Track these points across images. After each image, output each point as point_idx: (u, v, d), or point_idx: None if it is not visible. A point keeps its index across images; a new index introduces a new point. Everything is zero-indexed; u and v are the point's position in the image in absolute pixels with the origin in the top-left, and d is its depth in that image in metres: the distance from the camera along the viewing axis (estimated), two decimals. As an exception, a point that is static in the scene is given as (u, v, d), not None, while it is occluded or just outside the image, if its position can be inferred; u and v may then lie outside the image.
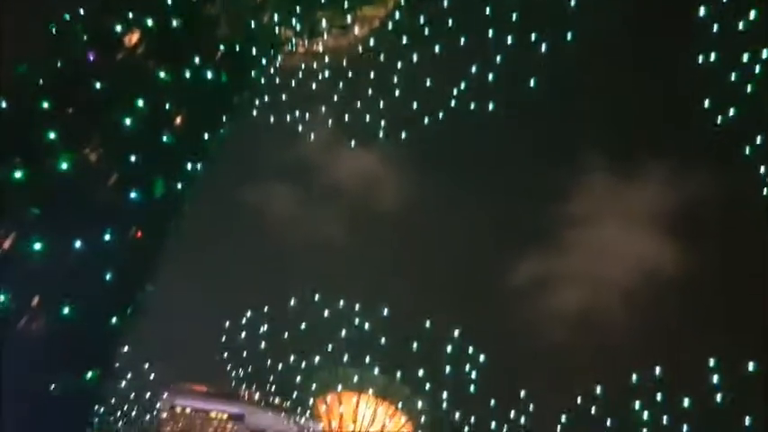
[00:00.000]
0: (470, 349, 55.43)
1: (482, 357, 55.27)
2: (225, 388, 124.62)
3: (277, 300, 59.46)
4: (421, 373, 55.26)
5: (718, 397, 46.24)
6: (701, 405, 47.19)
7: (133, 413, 63.08)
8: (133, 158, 25.82)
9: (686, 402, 47.67)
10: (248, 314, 58.22)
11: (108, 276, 24.55)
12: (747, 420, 46.34)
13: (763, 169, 37.86)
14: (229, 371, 62.57)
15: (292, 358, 56.81)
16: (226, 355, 60.77)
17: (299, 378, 57.98)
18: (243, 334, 58.11)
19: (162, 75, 26.80)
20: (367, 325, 54.94)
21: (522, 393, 56.64)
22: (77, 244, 23.06)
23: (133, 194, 25.80)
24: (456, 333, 55.54)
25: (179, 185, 29.16)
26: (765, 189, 38.02)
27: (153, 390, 67.09)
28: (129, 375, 60.09)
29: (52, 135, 23.42)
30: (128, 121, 25.47)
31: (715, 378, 46.63)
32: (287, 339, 55.87)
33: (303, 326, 55.03)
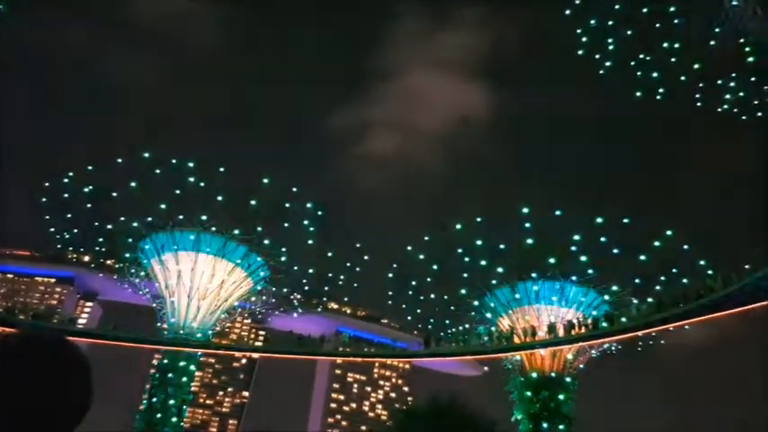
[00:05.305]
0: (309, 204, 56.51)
1: (320, 212, 56.51)
2: (51, 251, 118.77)
3: (100, 157, 55.97)
4: (259, 229, 55.75)
5: (530, 240, 51.50)
6: (515, 247, 52.39)
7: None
8: None
9: (502, 246, 52.63)
10: (70, 174, 54.41)
11: None
12: (552, 260, 52.45)
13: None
14: (54, 233, 59.03)
15: (123, 218, 54.67)
16: (48, 217, 57.00)
17: (131, 239, 56.23)
18: (66, 194, 54.41)
19: None
20: (202, 183, 53.68)
21: (358, 244, 59.59)
22: None
23: None
24: (294, 189, 56.12)
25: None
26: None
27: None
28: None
29: None
30: None
31: (527, 224, 51.60)
32: (116, 199, 53.28)
33: (133, 184, 52.59)
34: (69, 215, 55.52)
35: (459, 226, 54.19)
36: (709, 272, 46.63)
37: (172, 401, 53.63)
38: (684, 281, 50.09)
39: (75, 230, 57.51)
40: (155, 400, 53.61)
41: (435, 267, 55.77)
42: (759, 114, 45.19)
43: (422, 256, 55.96)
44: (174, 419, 53.75)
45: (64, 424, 1.83)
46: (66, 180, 54.27)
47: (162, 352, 57.42)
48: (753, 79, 43.44)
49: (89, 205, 54.14)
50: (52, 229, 58.40)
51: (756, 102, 44.33)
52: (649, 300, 50.07)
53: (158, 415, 52.82)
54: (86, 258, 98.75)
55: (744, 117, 45.89)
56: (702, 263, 49.22)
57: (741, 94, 44.36)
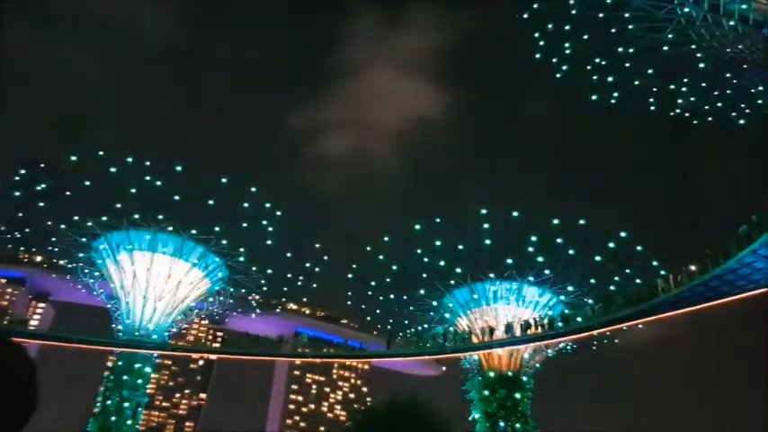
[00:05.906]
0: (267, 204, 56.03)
1: (279, 212, 56.08)
2: (1, 251, 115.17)
3: (55, 154, 54.61)
4: (217, 229, 55.08)
5: (488, 241, 52.00)
6: (473, 249, 52.86)
7: None
8: None
9: (461, 247, 53.06)
10: (22, 171, 52.86)
11: None
12: (510, 260, 53.10)
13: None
14: (5, 233, 57.37)
15: (76, 217, 53.40)
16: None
17: (84, 238, 55.01)
18: (17, 192, 52.81)
19: None
20: (159, 182, 52.74)
21: (317, 245, 59.41)
22: None
23: None
24: (253, 189, 55.57)
25: None
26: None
27: None
28: None
29: None
30: None
31: (485, 224, 52.11)
32: (69, 197, 51.93)
33: (87, 183, 51.38)
34: (21, 214, 54.02)
35: (417, 227, 54.49)
36: (662, 272, 47.80)
37: (127, 404, 52.66)
38: (638, 281, 51.25)
39: (27, 229, 56.00)
40: (109, 402, 52.57)
41: (395, 268, 55.96)
42: (709, 119, 46.61)
43: (381, 257, 56.10)
44: (129, 422, 52.76)
45: (7, 426, 1.79)
46: (17, 178, 52.72)
47: (116, 354, 56.32)
48: (704, 85, 44.75)
49: (41, 204, 52.69)
50: (3, 228, 56.77)
51: (707, 107, 45.71)
52: (603, 300, 51.10)
53: (113, 418, 51.80)
54: (38, 258, 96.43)
55: (695, 122, 47.29)
56: (655, 263, 50.44)
57: (692, 98, 45.67)
